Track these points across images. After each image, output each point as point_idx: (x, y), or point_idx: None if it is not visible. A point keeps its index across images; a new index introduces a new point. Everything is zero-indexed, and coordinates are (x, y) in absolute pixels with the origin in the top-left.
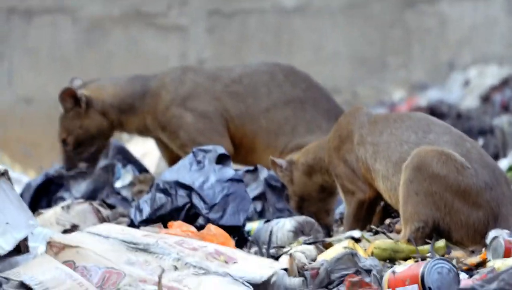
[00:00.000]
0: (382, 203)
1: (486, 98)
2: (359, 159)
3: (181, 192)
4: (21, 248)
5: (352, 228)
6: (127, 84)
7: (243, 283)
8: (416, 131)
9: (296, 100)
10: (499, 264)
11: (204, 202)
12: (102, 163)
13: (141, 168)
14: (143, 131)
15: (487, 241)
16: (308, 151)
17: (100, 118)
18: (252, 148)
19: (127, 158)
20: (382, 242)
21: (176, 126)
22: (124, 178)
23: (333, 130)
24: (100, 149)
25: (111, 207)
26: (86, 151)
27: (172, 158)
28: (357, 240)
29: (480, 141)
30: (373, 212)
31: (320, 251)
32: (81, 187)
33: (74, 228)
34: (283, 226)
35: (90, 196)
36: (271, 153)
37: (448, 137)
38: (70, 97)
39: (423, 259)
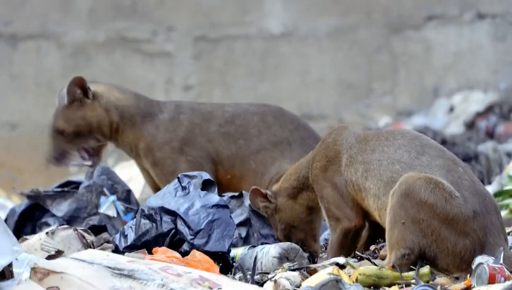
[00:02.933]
0: (366, 229)
1: (471, 125)
2: (348, 182)
3: (166, 218)
4: (5, 274)
5: (336, 256)
6: (133, 97)
7: None
8: (409, 151)
9: (284, 142)
10: None
11: (189, 227)
12: (85, 182)
13: (125, 189)
14: (133, 152)
15: (472, 267)
16: (290, 175)
17: (103, 113)
18: (238, 188)
19: (112, 179)
20: (366, 268)
21: (168, 170)
22: (108, 208)
23: (318, 149)
24: (102, 145)
25: (96, 232)
26: (81, 144)
27: (156, 186)
28: (341, 266)
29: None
30: (358, 240)
31: (304, 277)
32: (62, 206)
33: (58, 253)
34: (268, 252)
35: (72, 215)
36: None
37: (441, 161)
38: (78, 87)
39: (408, 285)
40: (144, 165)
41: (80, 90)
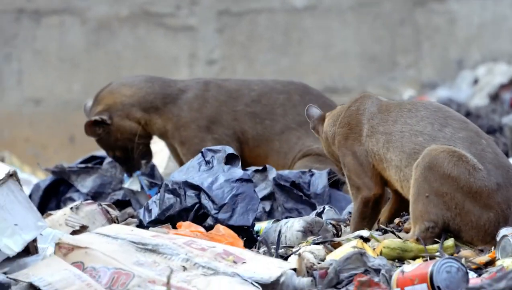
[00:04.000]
0: (390, 201)
1: (495, 97)
2: (368, 152)
3: (190, 192)
4: (30, 249)
5: (358, 227)
6: (144, 84)
7: (252, 283)
8: (432, 123)
9: None
10: (508, 262)
11: (213, 202)
12: (108, 158)
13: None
14: (163, 135)
15: (497, 239)
16: (334, 115)
17: (127, 122)
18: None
19: None
20: (390, 241)
21: (195, 148)
22: (132, 183)
23: (343, 116)
24: (147, 144)
25: (120, 207)
26: (137, 153)
27: (182, 162)
28: (365, 240)
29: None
30: (379, 210)
31: (329, 251)
32: (87, 182)
33: (83, 229)
34: (292, 226)
35: (97, 191)
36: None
37: (464, 133)
38: (93, 126)
39: (432, 258)
40: (174, 146)
41: (96, 127)
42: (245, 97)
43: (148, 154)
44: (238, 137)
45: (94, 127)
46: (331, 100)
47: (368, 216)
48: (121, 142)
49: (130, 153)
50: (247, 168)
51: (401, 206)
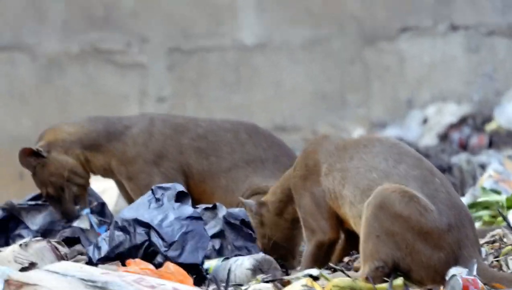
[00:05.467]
0: (341, 241)
1: (444, 136)
2: (326, 191)
3: (140, 230)
4: None
5: (309, 267)
6: (87, 123)
7: None
8: (387, 159)
9: (257, 160)
10: None
11: (163, 239)
12: None
13: (99, 202)
14: (108, 173)
15: (446, 278)
16: (276, 188)
17: (65, 158)
18: (209, 203)
19: None
20: (340, 280)
21: (144, 183)
22: (81, 221)
23: (299, 158)
24: (83, 187)
25: (69, 244)
26: (69, 195)
27: (131, 198)
28: (315, 278)
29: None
30: (332, 253)
31: (278, 289)
32: (37, 219)
33: (32, 266)
34: (242, 264)
35: (47, 228)
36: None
37: (418, 172)
38: (29, 156)
39: None
40: (121, 181)
41: (32, 158)
42: (191, 132)
43: (82, 199)
44: (184, 171)
45: (30, 158)
46: (280, 140)
47: (320, 260)
48: (54, 177)
49: (62, 193)
50: (197, 206)
51: (351, 244)
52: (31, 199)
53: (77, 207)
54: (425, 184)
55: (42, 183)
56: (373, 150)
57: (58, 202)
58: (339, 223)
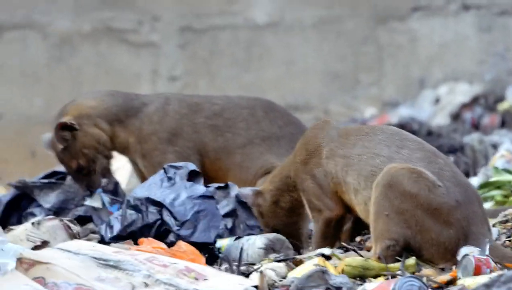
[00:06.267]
0: (352, 219)
1: (456, 116)
2: (328, 173)
3: (152, 209)
4: None
5: (320, 246)
6: (107, 97)
7: None
8: (389, 145)
9: (273, 137)
10: (469, 282)
11: (175, 218)
12: None
13: (112, 181)
14: (125, 150)
15: (458, 258)
16: (274, 176)
17: (95, 130)
18: (224, 181)
19: None
20: (352, 259)
21: (157, 161)
22: (93, 200)
23: (299, 144)
24: (109, 160)
25: (82, 222)
26: (99, 166)
27: (144, 177)
28: (327, 257)
29: (451, 159)
30: (341, 229)
31: (290, 269)
32: (50, 197)
33: (44, 244)
34: (254, 243)
35: (59, 207)
36: (241, 186)
37: (421, 154)
38: (63, 130)
39: (394, 276)
40: (135, 160)
41: (66, 132)
42: (207, 110)
43: (108, 172)
44: (198, 150)
45: (63, 132)
46: (296, 118)
47: (330, 236)
48: (87, 149)
49: (93, 164)
50: (209, 185)
51: (362, 223)
52: (44, 177)
53: (104, 179)
54: (430, 164)
55: (74, 156)
56: (375, 138)
57: (86, 174)
58: (344, 201)
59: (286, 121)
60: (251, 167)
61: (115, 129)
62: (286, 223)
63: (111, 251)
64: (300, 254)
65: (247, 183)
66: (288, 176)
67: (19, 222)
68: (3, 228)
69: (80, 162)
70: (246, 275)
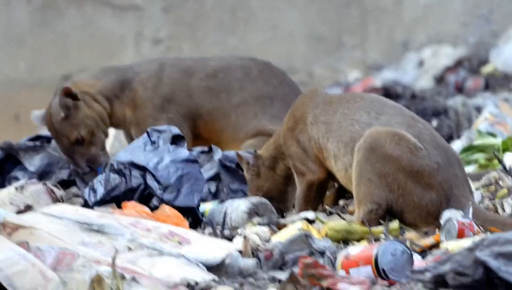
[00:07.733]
0: (336, 184)
1: (440, 79)
2: (311, 138)
3: (135, 173)
4: None
5: (302, 209)
6: (101, 73)
7: (197, 264)
8: (369, 112)
9: (266, 96)
10: (452, 245)
11: (158, 182)
12: None
13: None
14: (122, 124)
15: (441, 222)
16: (269, 143)
17: (97, 104)
18: (217, 142)
19: None
20: (335, 223)
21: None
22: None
23: (289, 113)
24: (106, 136)
25: (65, 186)
26: (99, 142)
27: None
28: (311, 221)
29: (434, 122)
30: (323, 193)
31: (274, 233)
32: (34, 160)
33: (28, 208)
34: (238, 207)
35: (44, 170)
36: (234, 146)
37: (401, 118)
38: (68, 96)
39: (377, 240)
40: (130, 132)
41: (69, 98)
42: (200, 72)
43: (104, 149)
44: (192, 114)
45: (67, 98)
46: (291, 80)
47: (312, 199)
48: (89, 120)
49: (93, 138)
50: (193, 148)
51: (346, 188)
52: (29, 141)
53: (102, 153)
54: (409, 127)
55: (75, 125)
56: (355, 105)
57: (86, 149)
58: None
59: (280, 81)
60: (245, 126)
61: (113, 106)
62: (281, 189)
63: (95, 215)
64: (283, 217)
65: (237, 143)
66: (280, 144)
67: (2, 186)
68: None
69: (81, 133)
70: (230, 239)
